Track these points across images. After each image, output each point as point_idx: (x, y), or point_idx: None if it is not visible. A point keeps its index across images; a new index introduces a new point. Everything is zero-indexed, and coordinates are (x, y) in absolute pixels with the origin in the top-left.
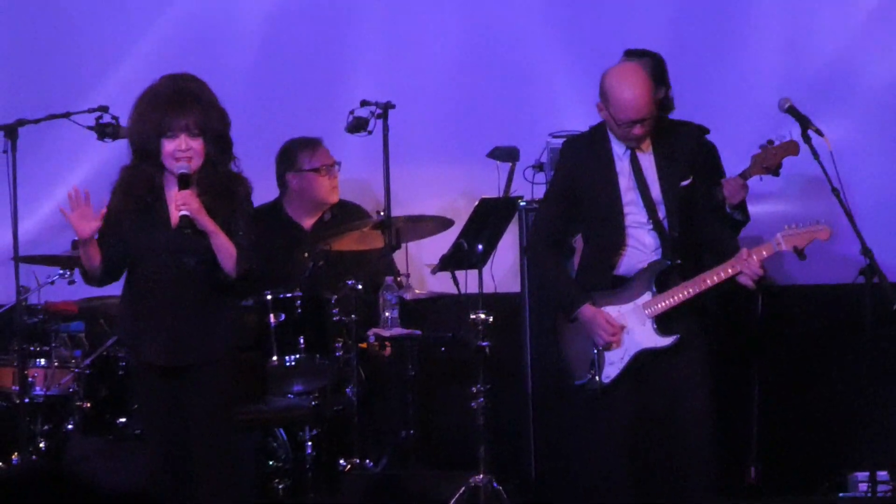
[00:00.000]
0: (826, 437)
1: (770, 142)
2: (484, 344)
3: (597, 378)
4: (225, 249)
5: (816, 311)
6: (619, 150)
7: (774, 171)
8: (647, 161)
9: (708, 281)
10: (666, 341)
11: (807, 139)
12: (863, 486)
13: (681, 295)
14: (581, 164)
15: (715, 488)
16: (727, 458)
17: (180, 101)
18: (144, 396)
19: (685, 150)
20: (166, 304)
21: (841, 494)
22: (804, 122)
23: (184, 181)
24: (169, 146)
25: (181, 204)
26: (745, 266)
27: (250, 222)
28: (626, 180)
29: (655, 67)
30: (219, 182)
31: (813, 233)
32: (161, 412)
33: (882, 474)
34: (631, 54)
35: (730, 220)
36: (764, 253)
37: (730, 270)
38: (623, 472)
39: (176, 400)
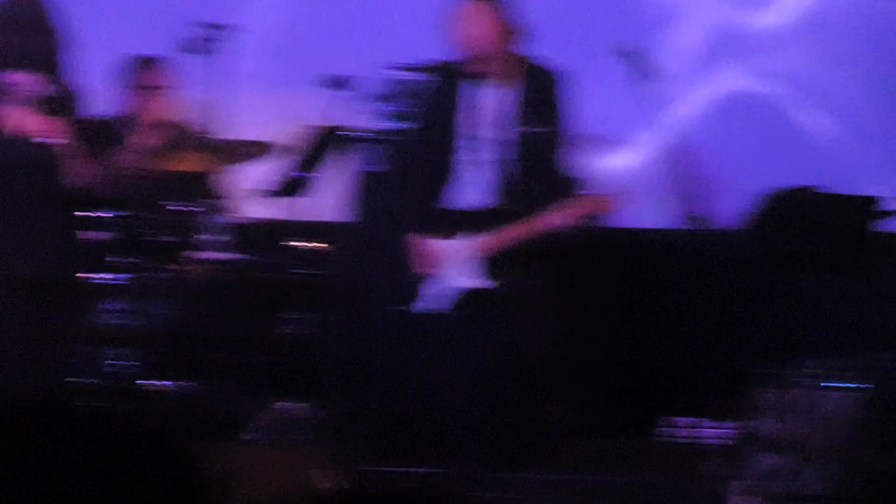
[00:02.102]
0: (646, 381)
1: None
2: (312, 271)
3: (418, 307)
4: (75, 166)
5: (644, 254)
6: (470, 85)
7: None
8: (501, 100)
9: (528, 230)
10: (487, 283)
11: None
12: (672, 431)
13: (508, 239)
14: (434, 93)
15: (535, 429)
16: (549, 399)
17: (13, 22)
18: None
19: (542, 97)
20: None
21: (659, 438)
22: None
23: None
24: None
25: (30, 131)
26: (559, 220)
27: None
28: (475, 116)
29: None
30: (61, 99)
31: (598, 203)
32: None
33: (690, 420)
34: None
35: None
36: (576, 210)
37: (548, 222)
38: (446, 401)
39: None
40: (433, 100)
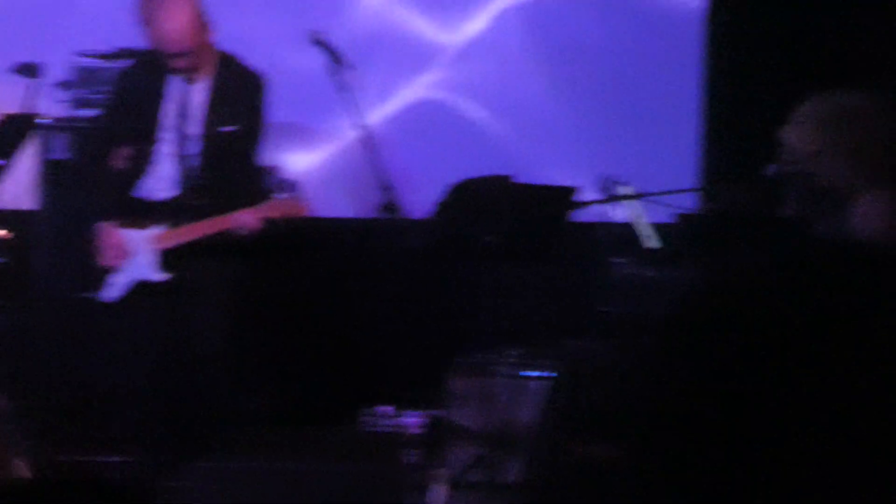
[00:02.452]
0: (346, 372)
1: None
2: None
3: (99, 297)
4: None
5: (335, 244)
6: (163, 76)
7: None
8: (198, 95)
9: (212, 227)
10: (161, 276)
11: (336, 72)
12: (368, 420)
13: (189, 234)
14: (136, 81)
15: (223, 419)
16: (237, 389)
17: None
18: None
19: (239, 97)
20: None
21: (357, 428)
22: (333, 55)
23: None
24: None
25: None
26: (240, 222)
27: None
28: (170, 108)
29: None
30: None
31: (290, 207)
32: None
33: (387, 408)
34: None
35: None
36: (258, 213)
37: (228, 223)
38: (133, 396)
39: None
40: (125, 89)
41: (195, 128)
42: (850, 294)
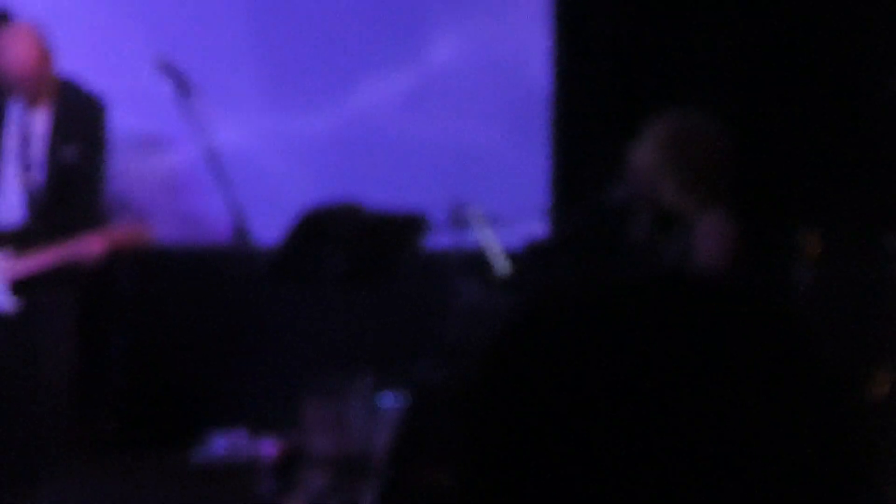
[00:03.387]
0: (189, 394)
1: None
2: None
3: None
4: None
5: (188, 268)
6: (13, 104)
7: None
8: (39, 121)
9: (58, 255)
10: (11, 304)
11: (182, 96)
12: (220, 444)
13: (35, 262)
14: None
15: (69, 444)
16: (76, 414)
17: None
18: None
19: (80, 122)
20: None
21: (197, 454)
22: (179, 80)
23: None
24: None
25: None
26: (84, 249)
27: None
28: (11, 135)
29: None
30: None
31: (132, 233)
32: None
33: (241, 432)
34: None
35: None
36: (100, 240)
37: (76, 250)
38: None
39: None
40: None
41: (38, 155)
42: (662, 327)
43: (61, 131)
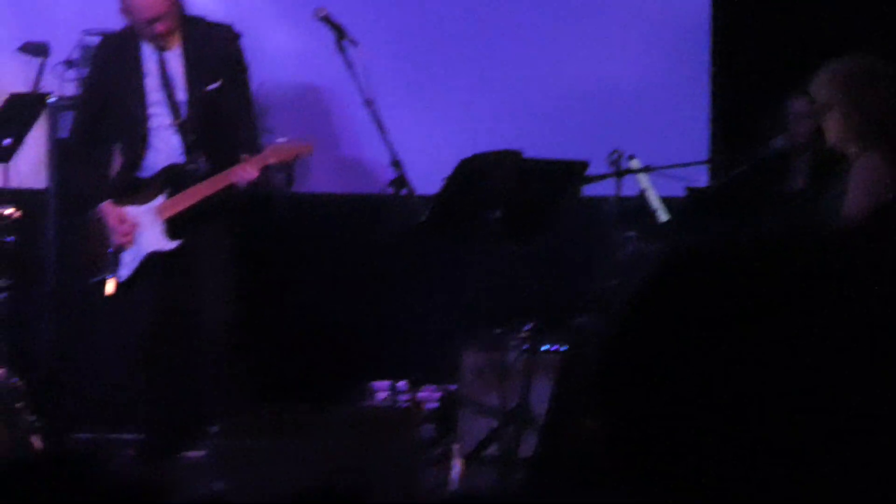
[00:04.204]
0: (357, 348)
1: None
2: (8, 239)
3: (111, 277)
4: None
5: (345, 219)
6: (148, 49)
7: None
8: (175, 62)
9: (209, 187)
10: (171, 244)
11: (341, 49)
12: (382, 395)
13: (189, 199)
14: (111, 62)
15: (231, 397)
16: (243, 363)
17: None
18: None
19: (215, 53)
20: None
21: (369, 404)
22: (339, 32)
23: None
24: None
25: None
26: (239, 174)
27: None
28: (153, 81)
29: None
30: None
31: (296, 149)
32: None
33: (401, 384)
34: None
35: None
36: (257, 163)
37: (229, 178)
38: (139, 372)
39: None
40: (111, 65)
41: (181, 94)
42: (795, 280)
43: (199, 67)
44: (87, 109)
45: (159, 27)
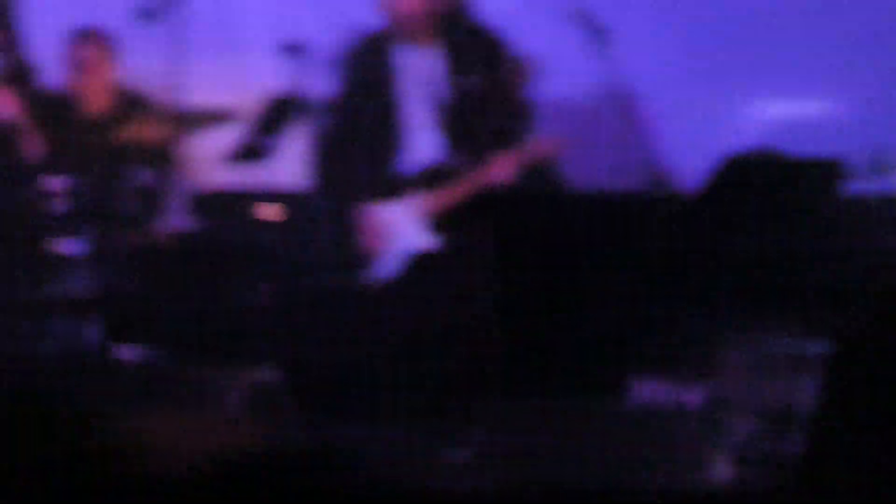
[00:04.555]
0: (608, 344)
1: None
2: (271, 239)
3: (373, 275)
4: (30, 140)
5: (602, 217)
6: (405, 46)
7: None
8: (432, 58)
9: (469, 185)
10: (432, 242)
11: (596, 46)
12: (644, 393)
13: (450, 197)
14: (368, 60)
15: (493, 394)
16: (501, 359)
17: None
18: None
19: (473, 49)
20: None
21: (617, 402)
22: (596, 31)
23: None
24: None
25: None
26: (498, 170)
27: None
28: (409, 78)
29: None
30: (19, 70)
31: (552, 145)
32: None
33: (663, 381)
34: None
35: None
36: (515, 159)
37: (489, 175)
38: (402, 369)
39: None
40: (369, 62)
41: (438, 90)
42: None
43: (457, 63)
44: (346, 108)
45: (417, 24)
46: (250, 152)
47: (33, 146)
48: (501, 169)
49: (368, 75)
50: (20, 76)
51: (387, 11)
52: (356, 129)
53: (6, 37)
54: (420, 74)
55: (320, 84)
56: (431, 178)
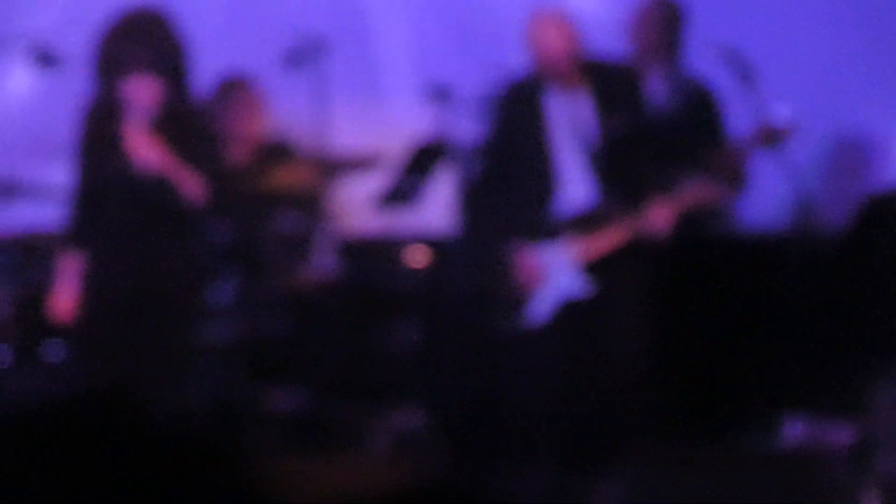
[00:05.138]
0: (754, 380)
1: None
2: (419, 281)
3: (522, 318)
4: (188, 188)
5: (752, 252)
6: (554, 90)
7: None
8: (582, 102)
9: (623, 233)
10: (585, 288)
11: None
12: (791, 431)
13: (601, 244)
14: (518, 103)
15: (643, 434)
16: (653, 403)
17: (133, 32)
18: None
19: (621, 93)
20: (129, 239)
21: (759, 443)
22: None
23: (143, 128)
24: (123, 80)
25: (145, 156)
26: (654, 220)
27: (214, 154)
28: (560, 122)
29: None
30: (177, 117)
31: (711, 192)
32: (115, 344)
33: (811, 419)
34: None
35: None
36: (671, 207)
37: (643, 224)
38: (551, 410)
39: (133, 333)
40: (519, 106)
41: (588, 135)
42: None
43: (606, 107)
44: (496, 151)
45: (566, 68)
46: (397, 197)
47: (192, 192)
48: (658, 217)
49: (518, 119)
50: (175, 123)
51: (534, 55)
52: (507, 173)
53: (164, 84)
54: (569, 118)
55: (467, 128)
56: (585, 222)
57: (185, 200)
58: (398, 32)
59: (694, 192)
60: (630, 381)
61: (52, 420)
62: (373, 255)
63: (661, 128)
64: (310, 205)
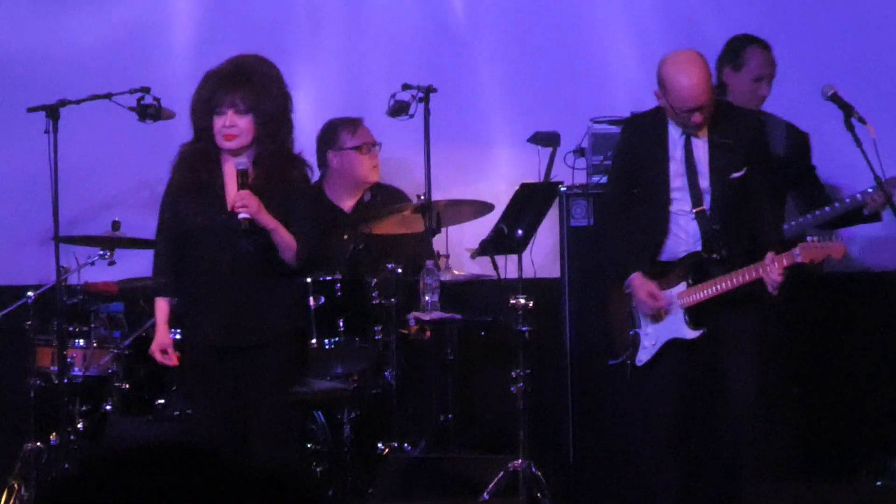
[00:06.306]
0: (868, 423)
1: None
2: (524, 329)
3: (629, 361)
4: (284, 242)
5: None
6: (675, 133)
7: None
8: (701, 148)
9: (733, 281)
10: (693, 334)
11: (850, 127)
12: None
13: (712, 290)
14: (637, 144)
15: (756, 477)
16: (771, 444)
17: (231, 77)
18: (199, 377)
19: (742, 139)
20: (223, 285)
21: (878, 483)
22: (847, 110)
23: (242, 178)
24: (217, 123)
25: (240, 205)
26: (765, 273)
27: (310, 205)
28: (676, 166)
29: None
30: (272, 163)
31: (828, 249)
32: (217, 393)
33: None
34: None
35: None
36: (784, 262)
37: (753, 274)
38: (661, 456)
39: (233, 381)
40: (639, 145)
41: (704, 180)
42: None
43: (725, 154)
44: (614, 186)
45: (697, 117)
46: (508, 242)
47: (286, 242)
48: (770, 273)
49: (640, 156)
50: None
51: (666, 99)
52: (625, 209)
53: (263, 128)
54: (688, 161)
55: (572, 173)
56: (695, 268)
57: (279, 248)
58: (506, 80)
59: (808, 250)
60: (741, 421)
61: (157, 465)
62: (480, 299)
63: (778, 172)
64: (417, 249)
